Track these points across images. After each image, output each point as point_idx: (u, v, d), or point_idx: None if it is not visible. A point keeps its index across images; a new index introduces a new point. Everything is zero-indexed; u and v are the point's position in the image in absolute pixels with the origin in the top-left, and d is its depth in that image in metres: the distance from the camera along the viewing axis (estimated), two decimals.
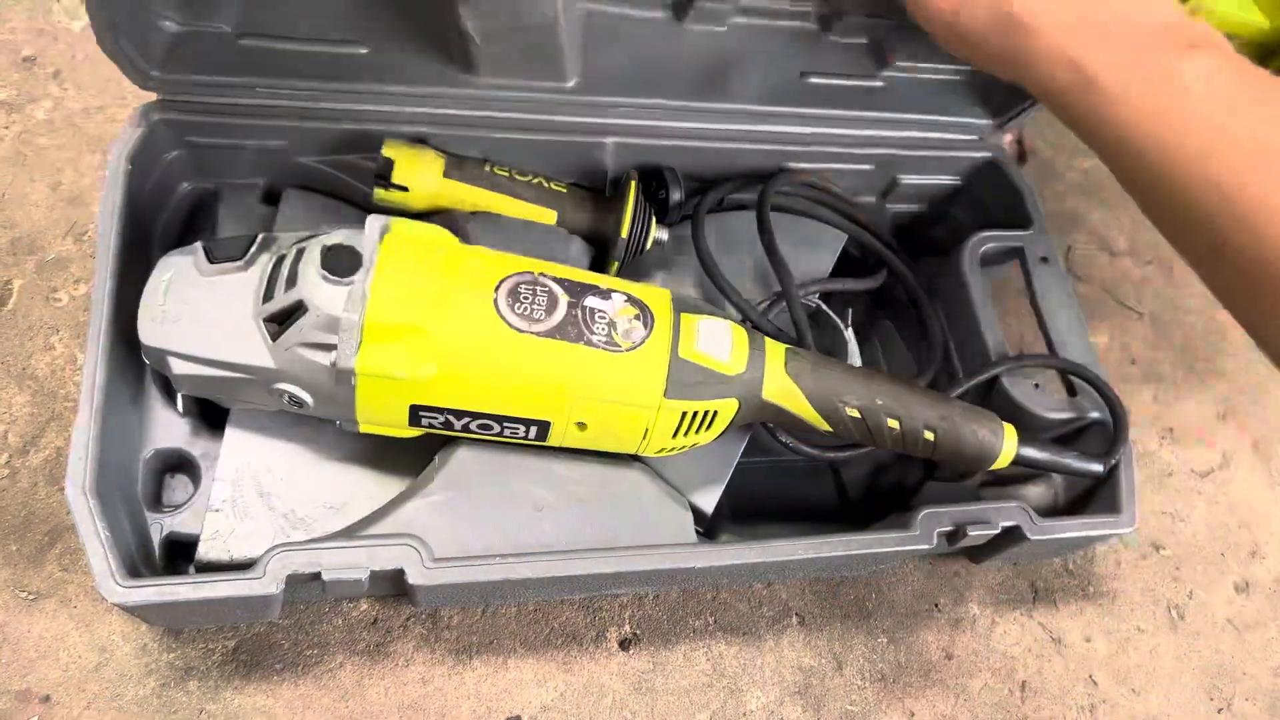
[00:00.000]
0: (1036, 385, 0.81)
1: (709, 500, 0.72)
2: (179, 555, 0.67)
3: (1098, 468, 0.73)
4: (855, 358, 0.81)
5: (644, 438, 0.66)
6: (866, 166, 0.91)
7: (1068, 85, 0.38)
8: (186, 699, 0.66)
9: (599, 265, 0.79)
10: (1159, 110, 0.36)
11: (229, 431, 0.68)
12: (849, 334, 0.82)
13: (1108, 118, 0.37)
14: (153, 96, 0.71)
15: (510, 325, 0.61)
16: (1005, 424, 0.68)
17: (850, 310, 0.84)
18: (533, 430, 0.65)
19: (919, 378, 0.81)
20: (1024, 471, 0.82)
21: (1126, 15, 0.37)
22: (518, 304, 0.62)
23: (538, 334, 0.62)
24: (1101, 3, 0.38)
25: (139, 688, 0.65)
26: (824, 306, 0.83)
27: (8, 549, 0.68)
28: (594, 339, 0.62)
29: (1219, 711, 0.83)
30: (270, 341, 0.60)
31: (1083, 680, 0.81)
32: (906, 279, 0.85)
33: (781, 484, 0.83)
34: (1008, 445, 0.67)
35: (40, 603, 0.67)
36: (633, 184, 0.78)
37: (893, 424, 0.66)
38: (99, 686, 0.65)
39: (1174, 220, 0.36)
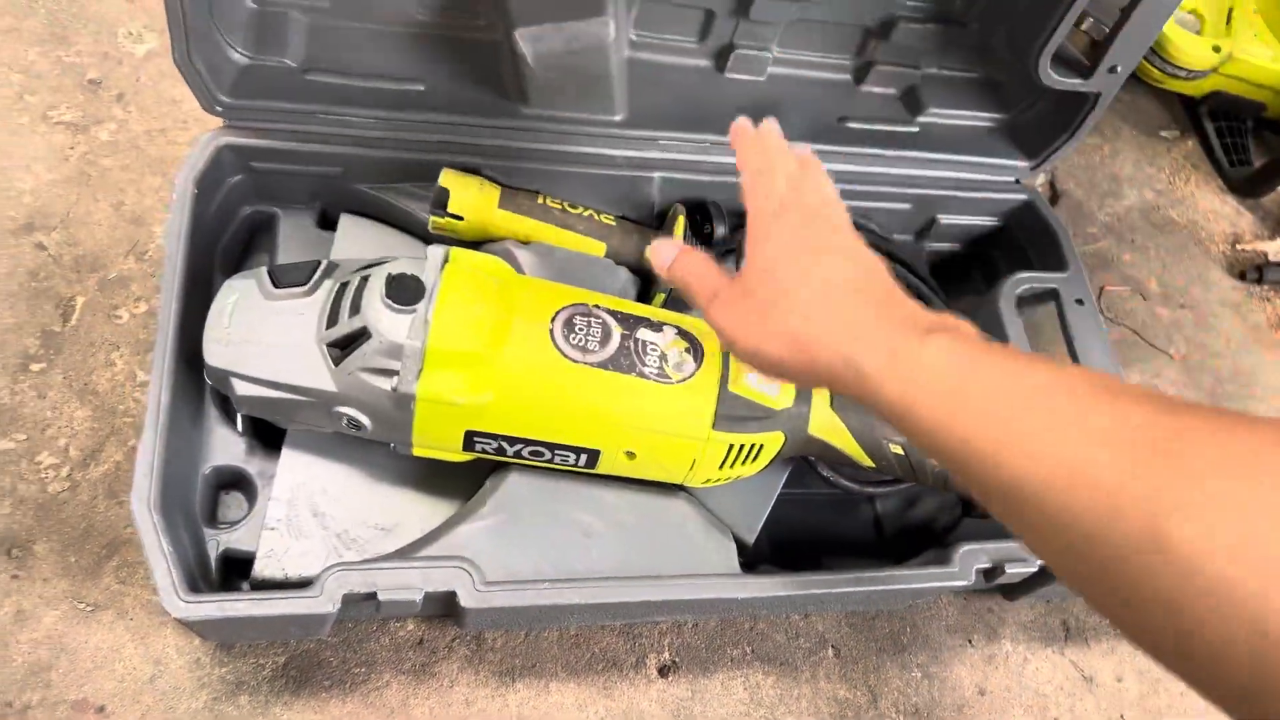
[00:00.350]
0: None
1: (750, 531, 0.73)
2: (234, 571, 0.68)
3: None
4: None
5: (691, 468, 0.67)
6: (905, 206, 0.93)
7: (849, 378, 0.47)
8: (237, 713, 0.67)
9: (644, 296, 0.81)
10: (910, 383, 0.44)
11: (285, 452, 0.70)
12: None
13: (880, 397, 0.46)
14: (215, 121, 0.73)
15: (565, 355, 0.63)
16: None
17: None
18: (583, 458, 0.67)
19: None
20: None
21: (879, 316, 0.48)
22: (573, 334, 0.64)
23: (591, 364, 0.63)
24: (861, 310, 0.49)
25: (192, 701, 0.67)
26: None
27: (67, 560, 0.69)
28: (646, 370, 0.64)
29: None
30: (333, 366, 0.62)
31: None
32: None
33: (818, 516, 0.84)
34: None
35: (98, 614, 0.68)
36: (680, 217, 0.80)
37: (934, 461, 0.67)
38: (153, 699, 0.66)
39: (952, 469, 0.43)
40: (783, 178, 0.56)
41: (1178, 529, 0.32)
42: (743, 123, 0.59)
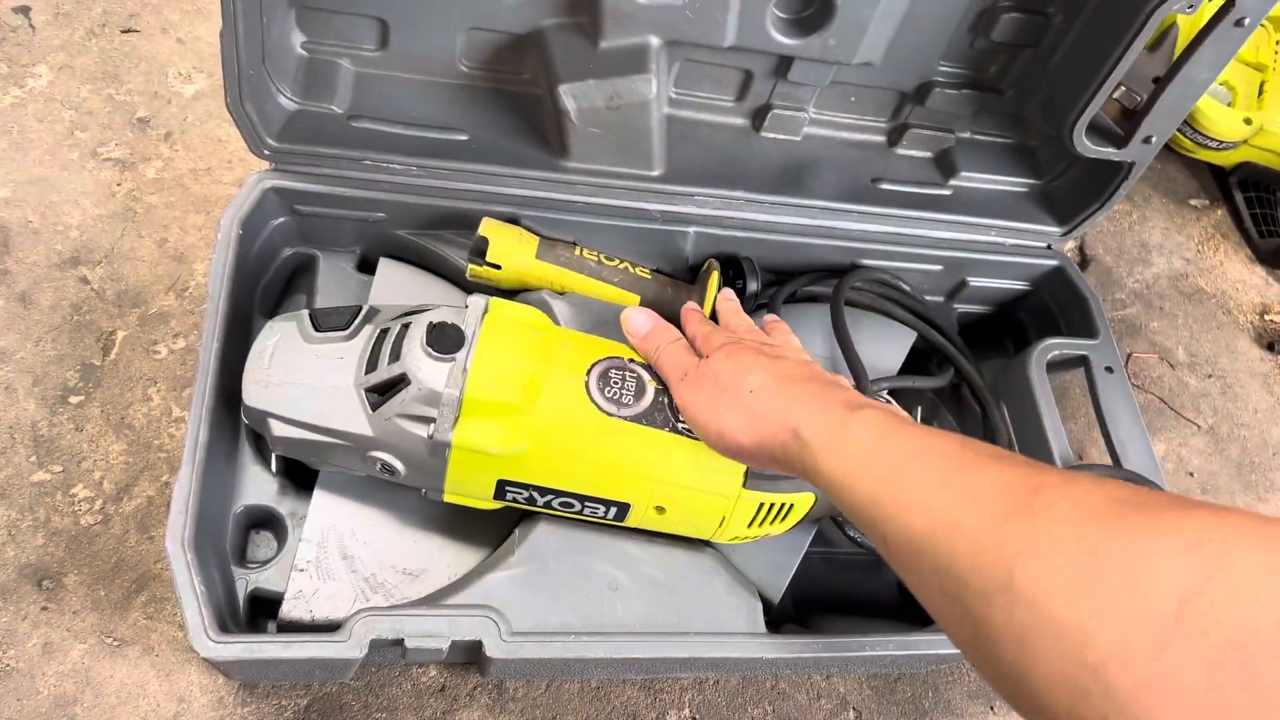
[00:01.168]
0: None
1: (776, 590, 0.73)
2: (260, 611, 0.69)
3: None
4: None
5: (720, 525, 0.67)
6: (936, 267, 0.93)
7: (795, 450, 0.54)
8: None
9: None
10: (839, 451, 0.51)
11: (317, 494, 0.70)
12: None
13: (817, 467, 0.52)
14: (259, 161, 0.74)
15: (600, 409, 0.63)
16: None
17: (919, 407, 0.86)
18: (613, 511, 0.67)
19: None
20: None
21: (821, 397, 0.55)
22: (608, 388, 0.64)
23: (626, 418, 0.64)
24: (806, 389, 0.57)
25: None
26: (893, 401, 0.85)
27: (96, 594, 0.70)
28: (679, 426, 0.64)
29: None
30: (370, 411, 0.63)
31: None
32: (973, 379, 0.87)
33: (843, 576, 0.84)
34: None
35: (124, 649, 0.68)
36: (714, 273, 0.80)
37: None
38: None
39: (863, 525, 0.48)
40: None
41: (1024, 571, 0.35)
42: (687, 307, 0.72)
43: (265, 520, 0.72)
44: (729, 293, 0.77)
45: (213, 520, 0.65)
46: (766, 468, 0.60)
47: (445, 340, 0.61)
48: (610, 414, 0.63)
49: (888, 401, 0.53)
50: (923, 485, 0.44)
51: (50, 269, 0.81)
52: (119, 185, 0.87)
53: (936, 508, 0.42)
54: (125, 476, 0.74)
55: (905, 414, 0.53)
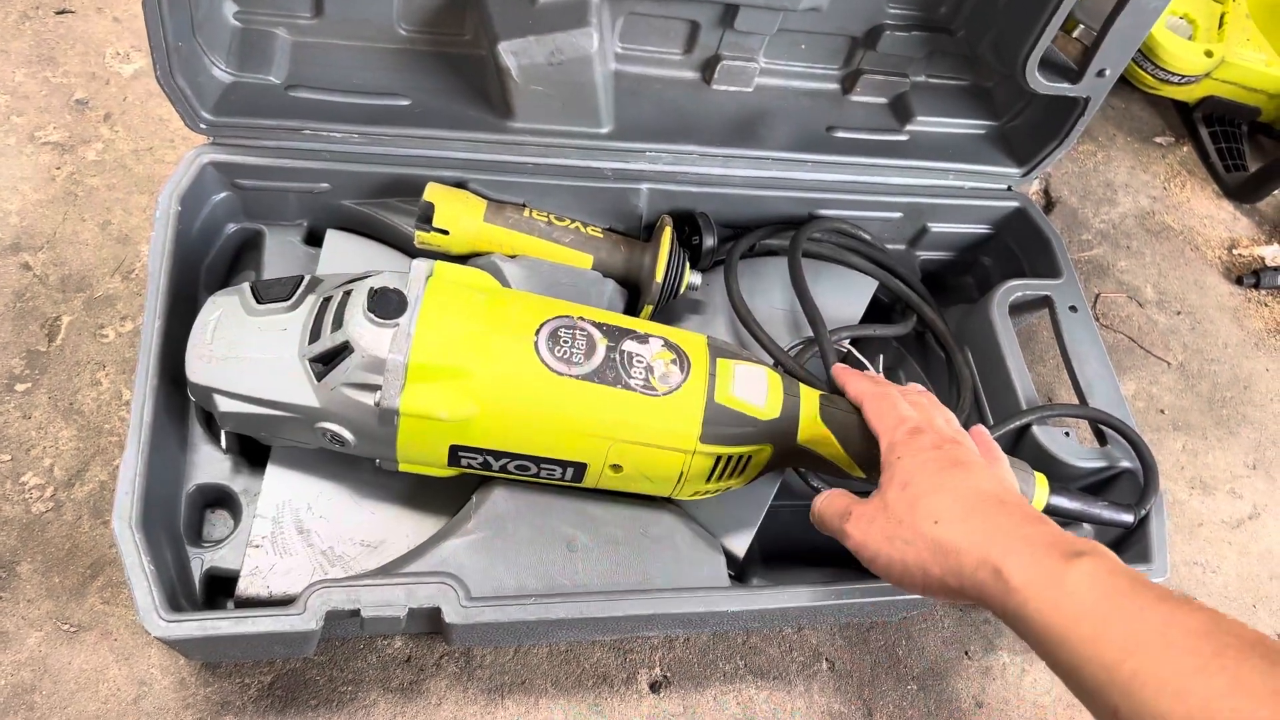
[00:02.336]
0: (1067, 433, 0.81)
1: (741, 543, 0.73)
2: (218, 590, 0.68)
3: (1128, 518, 0.73)
4: None
5: (679, 481, 0.67)
6: (895, 215, 0.92)
7: (994, 590, 0.49)
8: None
9: (632, 309, 0.81)
10: (1056, 604, 0.46)
11: (270, 469, 0.69)
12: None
13: (1023, 612, 0.47)
14: (200, 140, 0.73)
15: (550, 369, 0.62)
16: (1036, 473, 0.69)
17: (881, 355, 0.85)
18: (569, 471, 0.66)
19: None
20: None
21: (1023, 533, 0.50)
22: (558, 347, 0.63)
23: (577, 377, 0.63)
24: (1004, 520, 0.51)
25: None
26: (854, 351, 0.84)
27: (51, 581, 0.69)
28: (632, 383, 0.63)
29: None
30: (315, 381, 0.62)
31: None
32: (936, 326, 0.86)
33: (812, 526, 0.83)
34: (1039, 494, 0.68)
35: (81, 635, 0.68)
36: (667, 229, 0.79)
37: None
38: (136, 719, 0.66)
39: (1079, 689, 0.46)
40: (904, 403, 0.61)
41: None
42: (839, 366, 0.69)
43: (220, 499, 0.71)
44: (873, 374, 0.70)
45: (163, 500, 0.64)
46: (955, 602, 0.57)
47: (388, 305, 0.60)
48: (561, 373, 0.62)
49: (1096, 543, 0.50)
50: (1173, 667, 0.41)
51: None
52: (59, 169, 0.85)
53: (1195, 696, 0.40)
54: (76, 462, 0.73)
55: (1121, 563, 0.48)
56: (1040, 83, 0.81)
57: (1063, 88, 0.82)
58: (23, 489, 0.71)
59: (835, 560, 0.82)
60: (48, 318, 0.78)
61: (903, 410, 0.60)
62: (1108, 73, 0.80)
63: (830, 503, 0.60)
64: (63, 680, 0.66)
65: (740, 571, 0.75)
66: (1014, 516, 0.51)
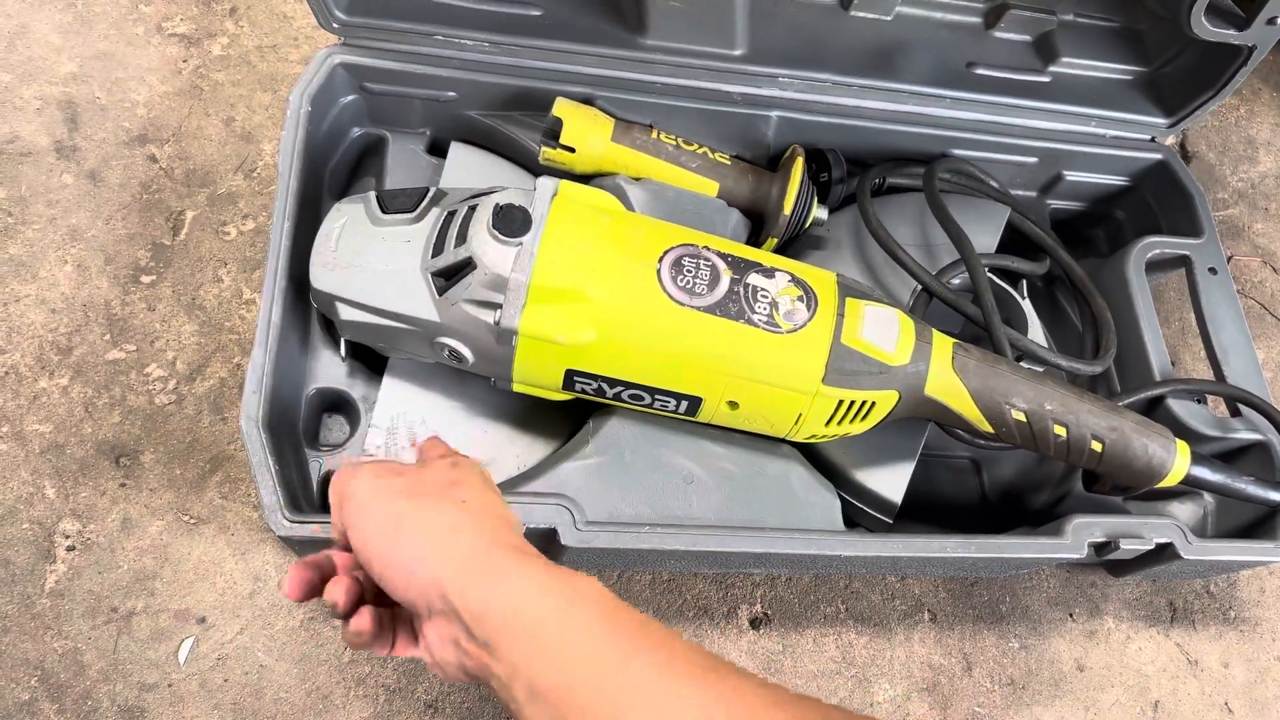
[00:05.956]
0: (1199, 400, 0.78)
1: (896, 493, 0.71)
2: None
3: (1276, 496, 0.69)
4: (1036, 328, 0.77)
5: (796, 423, 0.65)
6: (1030, 159, 0.88)
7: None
8: (332, 633, 0.68)
9: (754, 240, 0.79)
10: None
11: (387, 380, 0.69)
12: (1026, 304, 0.78)
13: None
14: (325, 40, 0.72)
15: (671, 298, 0.61)
16: (1178, 441, 0.66)
17: (1018, 291, 0.80)
18: (683, 405, 0.65)
19: (1094, 363, 0.75)
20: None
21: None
22: (680, 276, 0.61)
23: (698, 308, 0.61)
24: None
25: (288, 619, 0.68)
26: (995, 279, 0.80)
27: (173, 473, 0.70)
28: (755, 318, 0.62)
29: None
30: (437, 295, 0.61)
31: (1218, 707, 0.79)
32: (1075, 271, 0.82)
33: (922, 479, 0.81)
34: (1179, 464, 0.65)
35: (200, 528, 0.69)
36: (799, 160, 0.76)
37: (1059, 431, 0.64)
38: (251, 614, 0.67)
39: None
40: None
41: None
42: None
43: (337, 404, 0.71)
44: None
45: (285, 402, 0.65)
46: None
47: (512, 223, 0.59)
48: (682, 303, 0.61)
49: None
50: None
51: (119, 146, 0.80)
52: (185, 62, 0.85)
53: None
54: (198, 357, 0.74)
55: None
56: (1205, 28, 0.76)
57: (1228, 34, 0.76)
58: (146, 379, 0.73)
59: (943, 512, 0.81)
60: (172, 211, 0.79)
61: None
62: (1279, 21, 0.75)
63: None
64: (182, 569, 0.68)
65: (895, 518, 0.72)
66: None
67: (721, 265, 0.63)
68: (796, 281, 0.64)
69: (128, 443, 0.71)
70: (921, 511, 0.78)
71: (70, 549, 0.67)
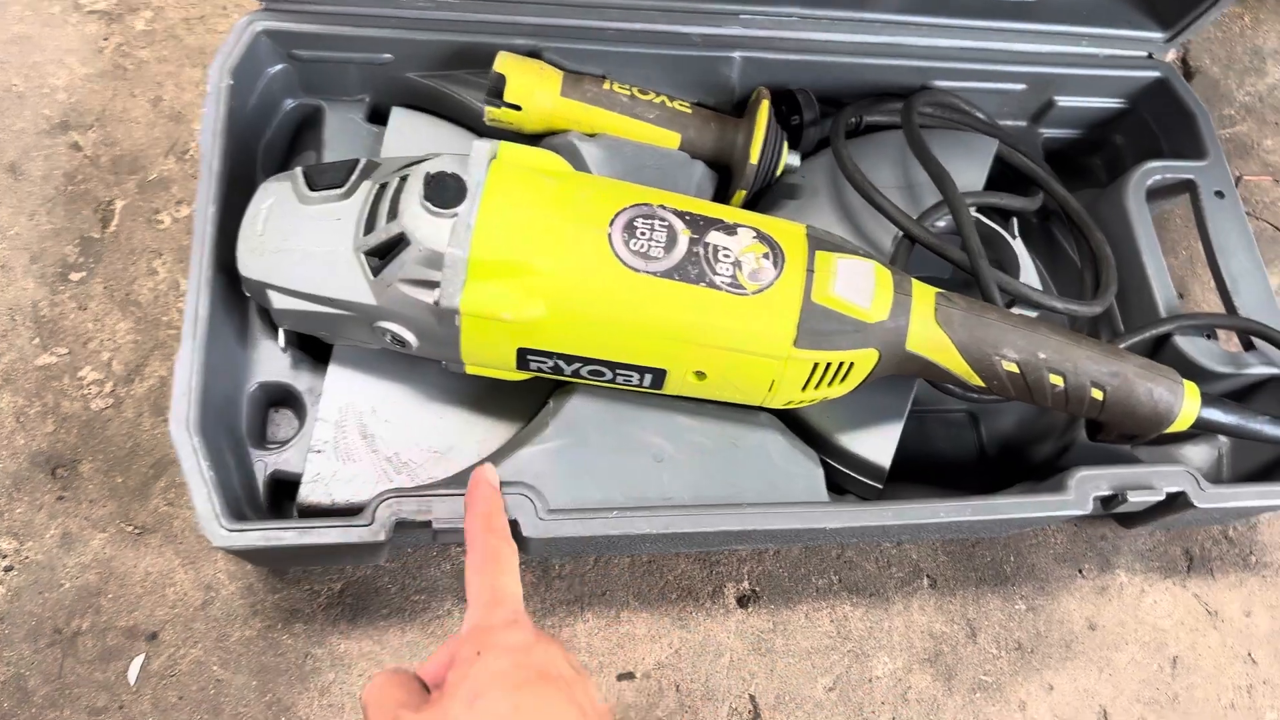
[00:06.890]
0: (1207, 335, 0.73)
1: (884, 457, 0.66)
2: (284, 494, 0.64)
3: None
4: (1029, 270, 0.71)
5: (770, 390, 0.60)
6: (1018, 86, 0.82)
7: None
8: (292, 641, 0.64)
9: (723, 194, 0.73)
10: None
11: (331, 370, 0.65)
12: (1018, 244, 0.72)
13: None
14: (255, 5, 0.67)
15: (625, 264, 0.56)
16: (1186, 382, 0.60)
17: (1007, 230, 0.75)
18: (647, 378, 0.60)
19: (1093, 303, 0.70)
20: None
21: None
22: (634, 240, 0.56)
23: (655, 274, 0.56)
24: None
25: (245, 629, 0.64)
26: (983, 219, 0.74)
27: (113, 481, 0.66)
28: (717, 280, 0.56)
29: None
30: (371, 277, 0.56)
31: (1241, 658, 0.75)
32: (1069, 204, 0.76)
33: (915, 436, 0.76)
34: (1188, 407, 0.60)
35: (146, 538, 0.65)
36: (764, 103, 0.71)
37: (1056, 381, 0.59)
38: (205, 626, 0.64)
39: None
40: (514, 576, 0.47)
41: None
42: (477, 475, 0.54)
43: (284, 398, 0.67)
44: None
45: (223, 400, 0.61)
46: None
47: (445, 192, 0.54)
48: (637, 269, 0.56)
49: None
50: None
51: (39, 135, 0.75)
52: (106, 40, 0.80)
53: None
54: (135, 356, 0.70)
55: None
56: None
57: None
58: (81, 384, 0.69)
59: (940, 470, 0.76)
60: (100, 202, 0.74)
61: (507, 585, 0.46)
62: None
63: (382, 693, 0.43)
64: (129, 584, 0.64)
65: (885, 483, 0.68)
66: None
67: (679, 225, 0.58)
68: (762, 237, 0.59)
69: (64, 452, 0.66)
70: (916, 471, 0.73)
71: (8, 570, 0.63)
